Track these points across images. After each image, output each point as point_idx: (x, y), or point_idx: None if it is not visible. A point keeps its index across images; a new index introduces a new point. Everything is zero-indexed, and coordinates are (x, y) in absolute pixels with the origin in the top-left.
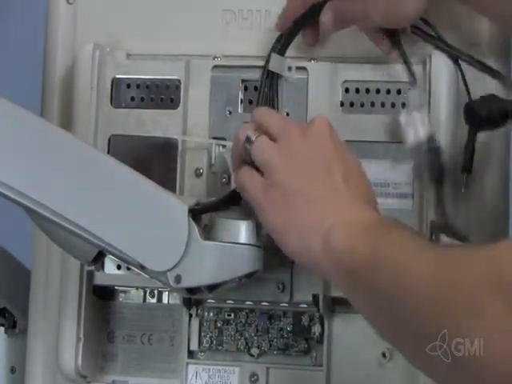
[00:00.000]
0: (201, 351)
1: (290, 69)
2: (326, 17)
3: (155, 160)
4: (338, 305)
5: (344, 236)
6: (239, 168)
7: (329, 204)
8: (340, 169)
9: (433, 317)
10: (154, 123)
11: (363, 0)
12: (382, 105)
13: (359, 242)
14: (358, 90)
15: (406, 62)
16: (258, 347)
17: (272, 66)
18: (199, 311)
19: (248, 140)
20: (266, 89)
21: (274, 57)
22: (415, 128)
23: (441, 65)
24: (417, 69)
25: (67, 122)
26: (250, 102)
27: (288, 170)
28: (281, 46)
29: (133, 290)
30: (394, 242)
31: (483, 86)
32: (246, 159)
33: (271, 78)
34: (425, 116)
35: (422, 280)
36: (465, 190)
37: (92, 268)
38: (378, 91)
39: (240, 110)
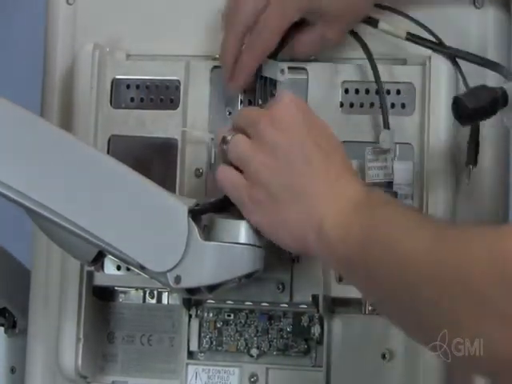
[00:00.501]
0: (200, 352)
1: (282, 71)
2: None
3: (155, 160)
4: (337, 305)
5: (336, 224)
6: None
7: (315, 193)
8: (317, 150)
9: (432, 294)
10: (154, 124)
11: (317, 33)
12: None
13: (352, 228)
14: (357, 91)
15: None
16: (258, 348)
17: (265, 72)
18: (199, 312)
19: (224, 140)
20: (261, 92)
21: (266, 62)
22: (378, 170)
23: (440, 65)
24: (416, 69)
25: (67, 122)
26: (250, 102)
27: (267, 168)
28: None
29: (132, 291)
30: (387, 219)
31: (482, 83)
32: (225, 160)
33: (265, 80)
34: (390, 160)
35: (420, 257)
36: (469, 183)
37: (92, 268)
38: (377, 92)
39: None
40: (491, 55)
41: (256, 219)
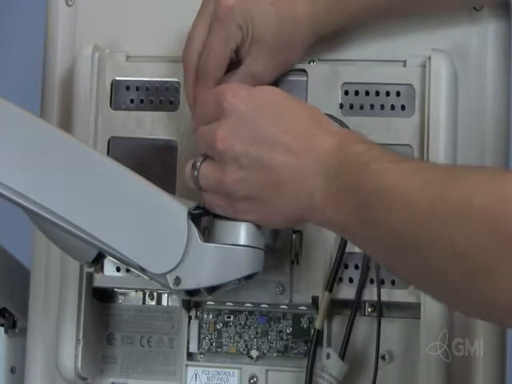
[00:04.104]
0: (200, 353)
1: None
2: None
3: (155, 162)
4: (337, 307)
5: (325, 196)
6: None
7: (291, 176)
8: (274, 131)
9: (440, 249)
10: (154, 125)
11: (246, 70)
12: (382, 107)
13: (342, 195)
14: (357, 93)
15: None
16: (258, 349)
17: None
18: (198, 313)
19: (194, 166)
20: None
21: None
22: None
23: (440, 65)
24: (416, 71)
25: (67, 123)
26: None
27: (238, 182)
28: None
29: (132, 292)
30: (378, 177)
31: (482, 84)
32: (197, 185)
33: None
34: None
35: (421, 211)
36: None
37: (91, 270)
38: (377, 93)
39: None
40: (490, 62)
41: (251, 220)
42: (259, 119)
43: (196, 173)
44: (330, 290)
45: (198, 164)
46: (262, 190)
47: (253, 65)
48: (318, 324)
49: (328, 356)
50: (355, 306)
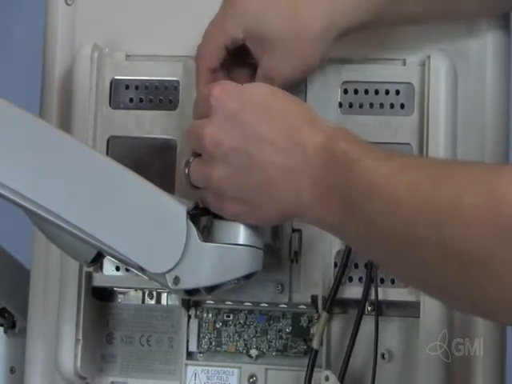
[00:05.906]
0: (199, 352)
1: None
2: None
3: (154, 161)
4: (336, 306)
5: (315, 198)
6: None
7: (280, 178)
8: (262, 129)
9: (432, 245)
10: (153, 124)
11: (260, 68)
12: (381, 106)
13: (332, 197)
14: (356, 91)
15: None
16: (257, 348)
17: None
18: (198, 312)
19: (187, 164)
20: None
21: None
22: None
23: (439, 65)
24: (415, 70)
25: (66, 123)
26: None
27: (226, 180)
28: None
29: (131, 292)
30: (367, 176)
31: (481, 82)
32: (191, 185)
33: None
34: None
35: (413, 206)
36: None
37: (91, 269)
38: (376, 92)
39: None
40: (490, 60)
41: (242, 220)
42: (246, 116)
43: (187, 170)
44: (328, 311)
45: (190, 161)
46: (250, 190)
47: (268, 64)
48: (315, 344)
49: (327, 378)
50: (359, 315)
